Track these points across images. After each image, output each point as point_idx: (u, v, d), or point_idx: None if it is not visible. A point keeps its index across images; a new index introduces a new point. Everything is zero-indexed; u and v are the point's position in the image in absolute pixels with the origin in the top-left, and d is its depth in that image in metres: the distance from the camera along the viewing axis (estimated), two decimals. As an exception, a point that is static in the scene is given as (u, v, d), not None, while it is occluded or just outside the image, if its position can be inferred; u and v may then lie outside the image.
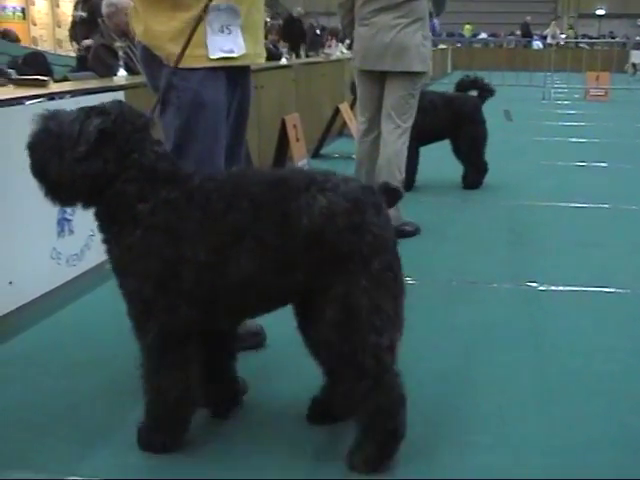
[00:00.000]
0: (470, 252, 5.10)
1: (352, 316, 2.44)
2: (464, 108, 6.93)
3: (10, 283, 3.94)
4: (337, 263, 2.44)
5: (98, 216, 2.56)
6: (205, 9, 2.86)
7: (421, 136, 6.39)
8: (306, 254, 2.44)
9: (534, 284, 4.40)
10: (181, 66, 2.90)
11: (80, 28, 10.79)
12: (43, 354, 3.48)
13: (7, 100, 4.12)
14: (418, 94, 5.35)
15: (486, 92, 7.12)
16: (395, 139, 5.23)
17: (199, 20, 2.86)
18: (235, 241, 2.43)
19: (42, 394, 3.09)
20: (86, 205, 2.56)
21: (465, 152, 6.95)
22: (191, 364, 2.58)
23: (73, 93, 4.63)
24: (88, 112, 2.47)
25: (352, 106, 8.23)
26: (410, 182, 6.55)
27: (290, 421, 2.85)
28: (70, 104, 4.33)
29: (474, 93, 7.17)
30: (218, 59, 2.94)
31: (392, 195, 2.63)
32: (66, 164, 2.43)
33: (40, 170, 2.48)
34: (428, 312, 3.98)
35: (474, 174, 7.01)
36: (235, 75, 3.07)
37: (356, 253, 2.44)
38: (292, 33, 15.44)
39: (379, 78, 5.30)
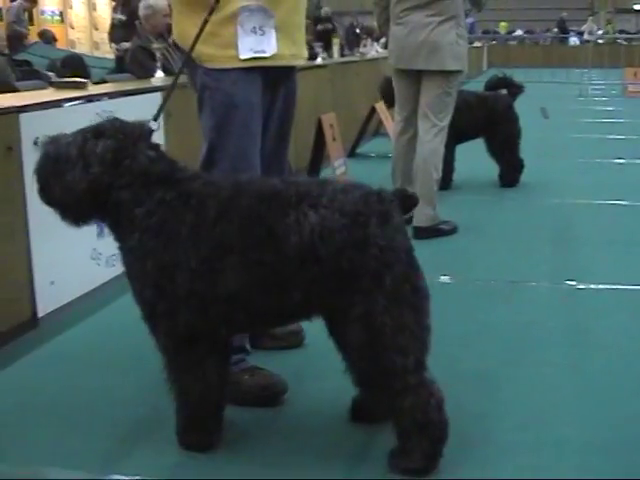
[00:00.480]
0: (508, 251, 5.06)
1: (374, 338, 2.39)
2: (497, 106, 6.89)
3: (52, 283, 3.99)
4: (345, 282, 2.38)
5: (109, 226, 2.62)
6: (210, 12, 2.84)
7: (457, 135, 6.36)
8: (301, 273, 2.39)
9: (573, 282, 4.36)
10: (213, 67, 2.93)
11: (118, 30, 10.93)
12: (84, 353, 3.52)
13: (46, 103, 4.17)
14: (455, 92, 5.32)
15: (516, 89, 7.06)
16: (431, 138, 5.21)
17: (213, 11, 2.83)
18: (222, 254, 2.41)
19: (83, 393, 3.12)
20: (102, 220, 2.62)
21: (500, 150, 6.90)
22: (207, 364, 2.57)
23: (111, 95, 4.67)
24: (85, 134, 2.55)
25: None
26: (447, 181, 6.54)
27: (329, 420, 2.85)
28: (108, 106, 4.38)
29: (504, 91, 7.11)
30: (248, 59, 2.94)
31: (407, 201, 2.54)
32: (66, 185, 2.51)
33: (46, 195, 2.58)
34: (466, 311, 3.97)
35: (510, 172, 6.96)
36: (274, 76, 3.06)
37: (364, 270, 2.36)
38: (324, 32, 15.41)
39: (415, 77, 5.29)
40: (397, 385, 2.41)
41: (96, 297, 4.20)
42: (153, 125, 2.67)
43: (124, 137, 2.53)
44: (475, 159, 7.19)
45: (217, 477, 2.52)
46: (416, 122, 5.34)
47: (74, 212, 2.58)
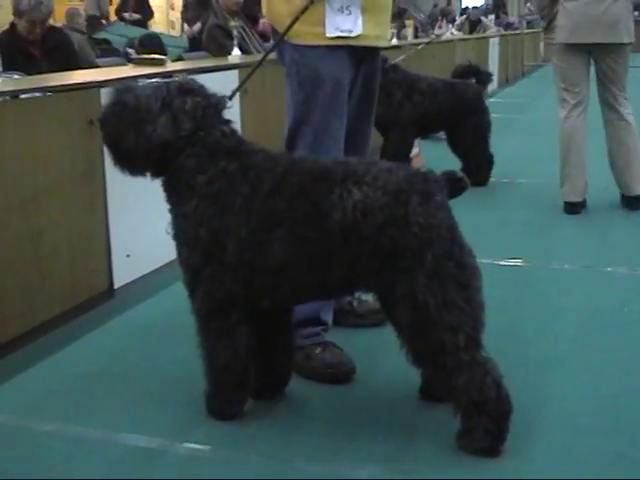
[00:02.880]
0: (584, 235, 4.98)
1: (419, 317, 2.39)
2: (465, 95, 6.43)
3: (128, 256, 4.07)
4: (387, 261, 2.39)
5: (164, 186, 2.67)
6: None
7: (419, 126, 6.43)
8: (344, 250, 2.42)
9: (651, 269, 4.28)
10: (301, 43, 2.98)
11: (192, 10, 10.99)
12: (158, 324, 3.58)
13: (127, 78, 4.23)
14: (628, 65, 5.37)
15: (485, 77, 6.70)
16: (631, 110, 5.36)
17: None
18: (271, 227, 2.46)
19: (159, 362, 3.19)
20: (154, 175, 2.67)
21: (467, 144, 6.39)
22: (237, 333, 2.60)
23: (189, 71, 4.72)
24: (169, 89, 2.56)
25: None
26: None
27: (400, 399, 2.85)
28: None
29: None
30: (335, 38, 2.97)
31: (456, 184, 2.51)
32: (144, 137, 2.53)
33: (116, 141, 2.59)
34: (539, 296, 3.92)
35: (479, 169, 6.30)
36: (359, 55, 3.08)
37: (405, 248, 2.37)
38: (397, 14, 15.29)
39: (586, 52, 5.30)
40: (449, 363, 2.41)
41: (170, 271, 4.25)
42: (228, 103, 2.70)
43: (210, 99, 2.59)
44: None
45: (288, 449, 2.55)
46: (587, 99, 5.38)
47: (139, 162, 2.61)
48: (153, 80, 4.28)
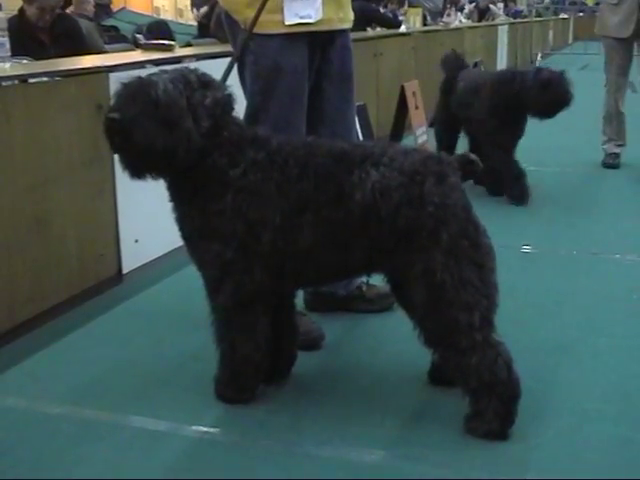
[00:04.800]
0: (593, 223, 4.96)
1: (435, 295, 2.41)
2: None
3: (136, 241, 4.08)
4: (403, 240, 2.42)
5: (176, 187, 2.56)
6: None
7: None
8: (364, 230, 2.44)
9: (659, 257, 4.27)
10: (258, 32, 2.91)
11: (199, -6, 10.94)
12: (166, 309, 3.59)
13: (136, 63, 4.24)
14: None
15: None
16: None
17: None
18: (300, 210, 2.46)
19: (166, 346, 3.19)
20: (174, 177, 2.54)
21: None
22: (260, 325, 2.61)
23: (198, 57, 4.72)
24: (187, 80, 2.43)
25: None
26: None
27: (408, 383, 2.86)
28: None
29: None
30: (294, 25, 2.93)
31: (469, 167, 2.53)
32: (183, 135, 2.39)
33: (130, 140, 2.38)
34: (548, 281, 3.92)
35: None
36: (323, 40, 3.05)
37: (421, 227, 2.40)
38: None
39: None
40: (463, 343, 2.42)
41: (178, 257, 4.25)
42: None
43: (224, 94, 2.52)
44: (562, 132, 7.05)
45: (295, 433, 2.56)
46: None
47: (175, 164, 2.44)
48: (164, 64, 4.29)
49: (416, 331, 2.56)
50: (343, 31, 3.16)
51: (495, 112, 5.21)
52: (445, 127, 5.98)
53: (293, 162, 2.49)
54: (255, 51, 2.96)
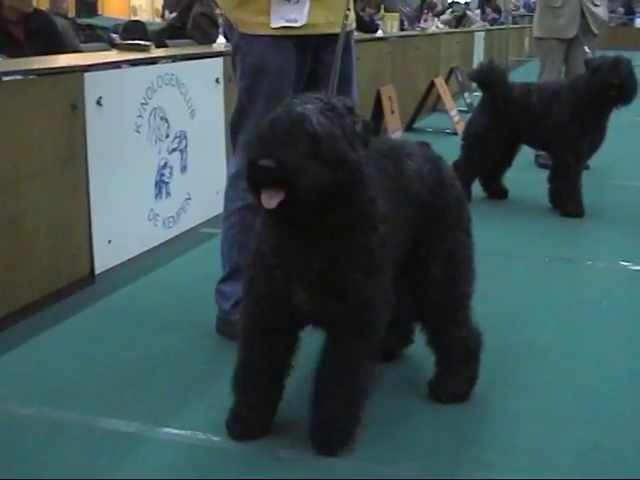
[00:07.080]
0: (566, 229, 5.01)
1: (456, 270, 2.64)
2: None
3: (109, 242, 4.05)
4: (435, 220, 2.58)
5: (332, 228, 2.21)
6: None
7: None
8: (415, 219, 2.55)
9: (628, 264, 4.30)
10: (246, 32, 2.98)
11: (172, -3, 10.89)
12: (138, 310, 3.57)
13: (111, 63, 4.22)
14: None
15: None
16: None
17: None
18: (399, 211, 2.47)
19: (137, 348, 3.17)
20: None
21: None
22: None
23: (174, 58, 4.71)
24: (334, 108, 2.14)
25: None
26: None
27: (409, 392, 2.86)
28: (171, 69, 4.40)
29: None
30: (279, 28, 2.94)
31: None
32: (351, 169, 2.11)
33: (315, 186, 2.06)
34: (521, 287, 3.95)
35: None
36: (314, 43, 3.04)
37: (448, 208, 2.61)
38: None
39: None
40: (461, 315, 2.69)
41: (152, 257, 4.25)
42: None
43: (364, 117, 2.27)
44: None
45: (272, 439, 2.54)
46: None
47: (331, 207, 2.13)
48: (139, 64, 4.27)
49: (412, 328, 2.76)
50: (337, 35, 3.14)
51: (577, 116, 5.23)
52: (495, 147, 5.55)
53: (388, 164, 2.48)
54: (243, 50, 3.03)
